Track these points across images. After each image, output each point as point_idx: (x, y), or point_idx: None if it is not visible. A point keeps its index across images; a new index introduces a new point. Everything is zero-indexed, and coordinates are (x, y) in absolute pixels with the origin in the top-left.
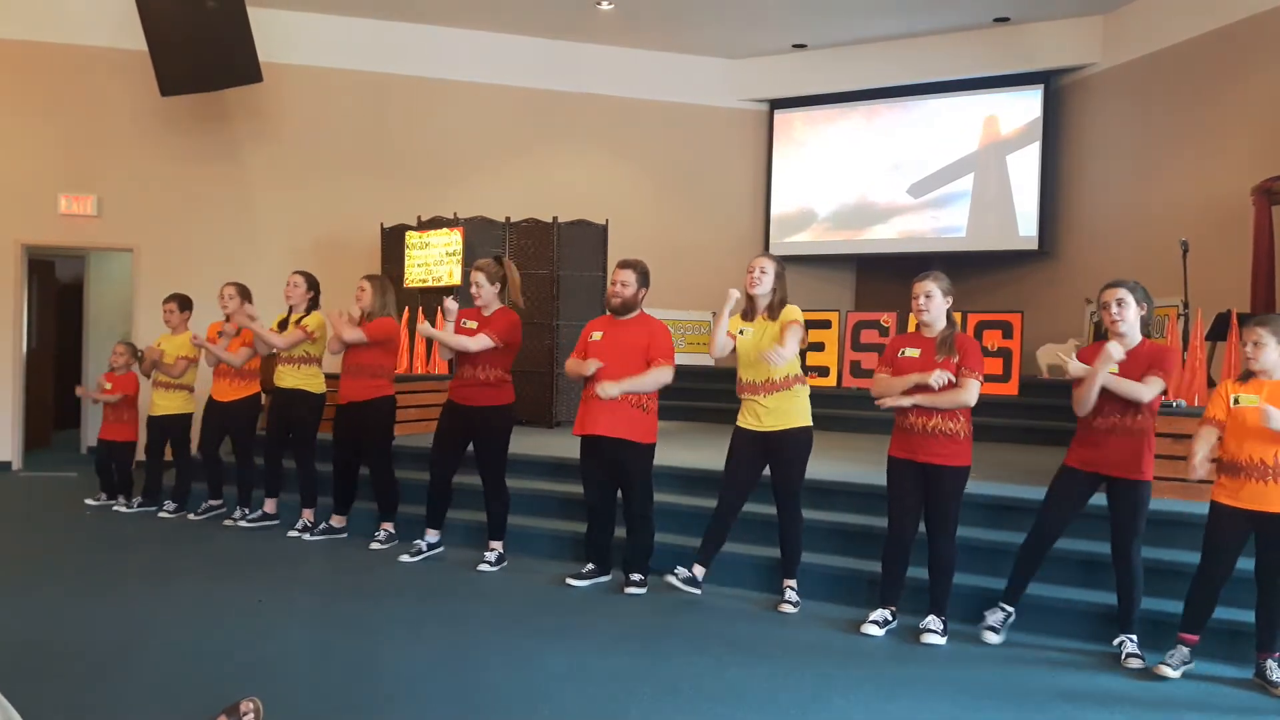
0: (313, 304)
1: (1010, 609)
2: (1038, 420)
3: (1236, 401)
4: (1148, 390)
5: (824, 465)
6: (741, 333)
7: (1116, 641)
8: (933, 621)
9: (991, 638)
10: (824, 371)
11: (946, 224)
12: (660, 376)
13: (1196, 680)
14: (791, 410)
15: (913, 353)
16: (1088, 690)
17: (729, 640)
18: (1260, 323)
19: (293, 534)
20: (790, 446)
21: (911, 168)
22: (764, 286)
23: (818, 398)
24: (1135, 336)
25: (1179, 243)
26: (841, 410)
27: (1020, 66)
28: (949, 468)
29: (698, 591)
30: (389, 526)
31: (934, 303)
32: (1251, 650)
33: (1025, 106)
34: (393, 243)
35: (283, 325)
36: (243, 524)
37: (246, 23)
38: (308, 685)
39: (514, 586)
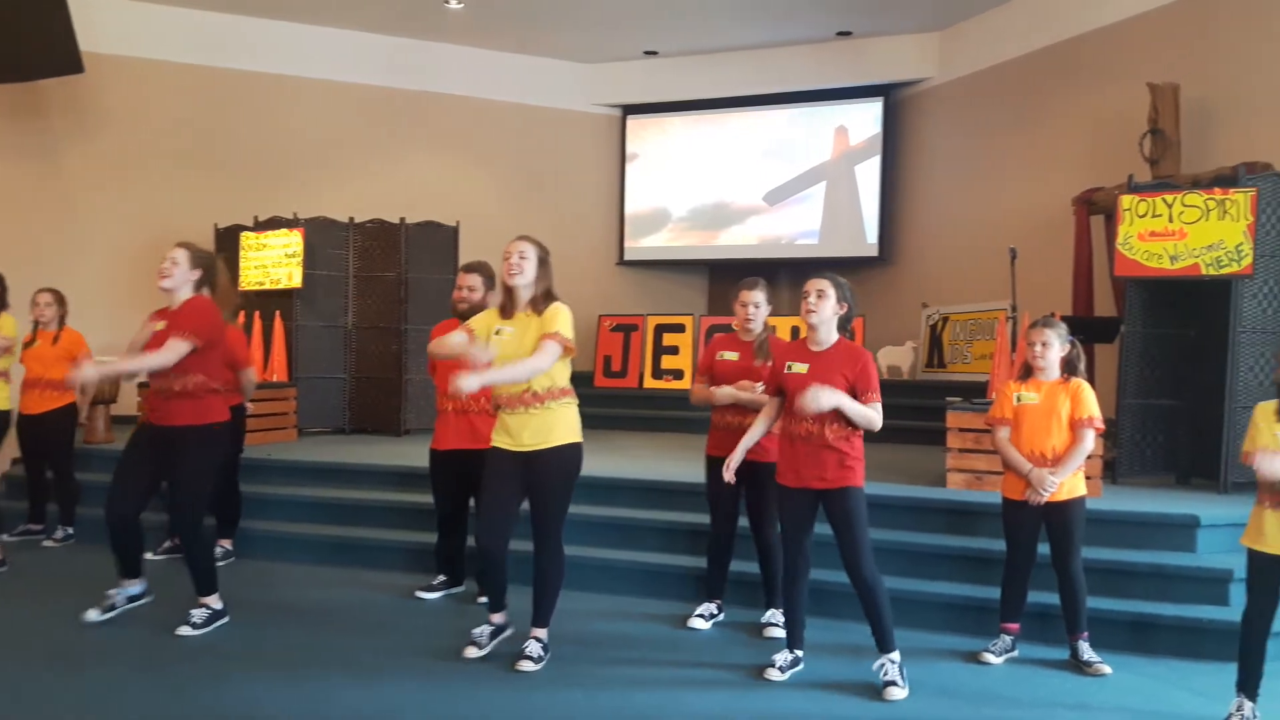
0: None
1: (796, 652)
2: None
3: (1019, 399)
4: (877, 415)
5: (673, 466)
6: (499, 332)
7: (877, 665)
8: (774, 615)
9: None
10: (679, 374)
11: (802, 228)
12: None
13: (1020, 664)
14: (555, 426)
15: (731, 355)
16: (927, 681)
17: (585, 643)
18: (1045, 325)
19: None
20: (552, 467)
21: (767, 175)
22: (525, 276)
23: (672, 400)
24: (831, 335)
25: (1008, 250)
26: (696, 412)
27: (861, 79)
28: (763, 464)
29: (481, 651)
30: (226, 543)
31: (760, 311)
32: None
33: (869, 118)
34: (227, 244)
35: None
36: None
37: (65, 8)
38: None
39: (359, 602)
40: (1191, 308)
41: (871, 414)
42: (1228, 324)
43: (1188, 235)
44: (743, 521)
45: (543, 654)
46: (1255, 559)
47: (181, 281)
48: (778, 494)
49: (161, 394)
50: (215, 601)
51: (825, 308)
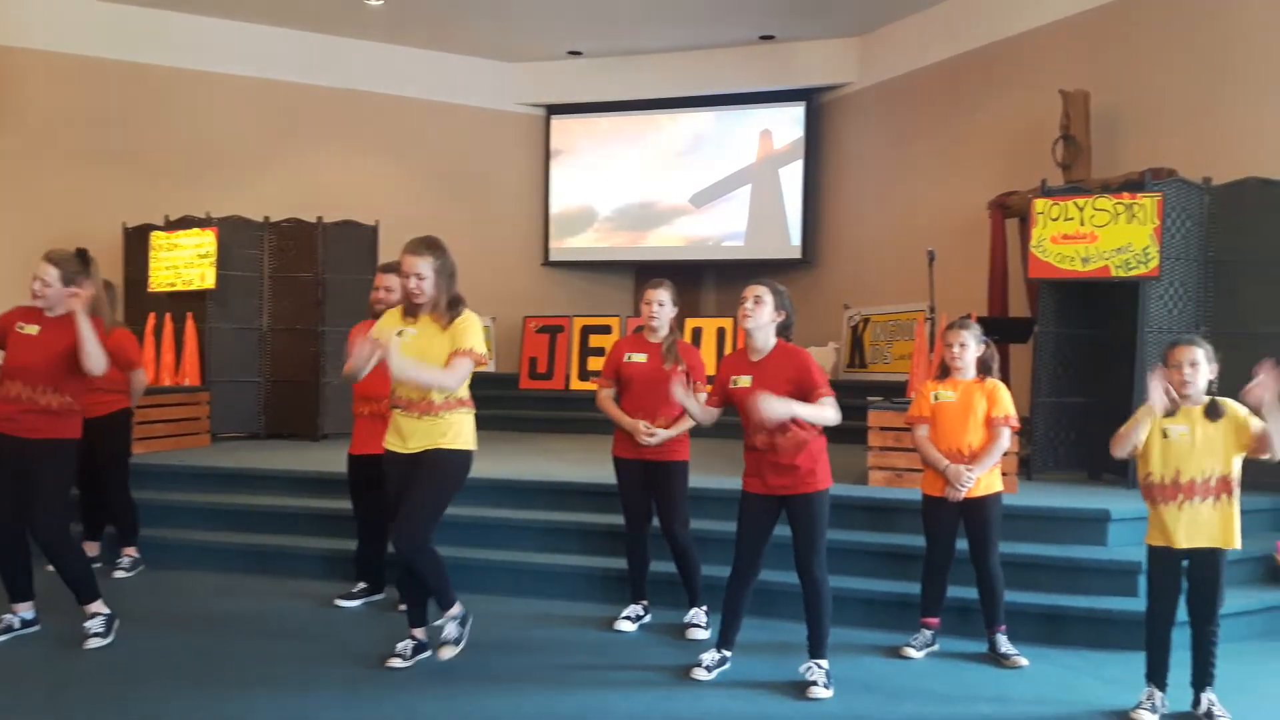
0: None
1: (724, 653)
2: None
3: (937, 398)
4: (829, 412)
5: (599, 468)
6: (401, 333)
7: (804, 668)
8: (696, 615)
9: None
10: None
11: (727, 230)
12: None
13: (941, 658)
14: (447, 431)
15: (639, 358)
16: (850, 676)
17: (511, 649)
18: (962, 326)
19: None
20: (436, 467)
21: (693, 177)
22: (425, 295)
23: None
24: (768, 341)
25: (926, 252)
26: None
27: (784, 83)
28: (672, 462)
29: (405, 664)
30: (132, 552)
31: (664, 310)
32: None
33: (792, 122)
34: (136, 244)
35: None
36: None
37: None
38: None
39: (277, 611)
40: (1102, 309)
41: (825, 411)
42: (1136, 324)
43: (1098, 238)
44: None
45: (460, 630)
46: (1153, 553)
47: (57, 300)
48: (741, 500)
49: (20, 404)
50: (101, 606)
51: (762, 313)
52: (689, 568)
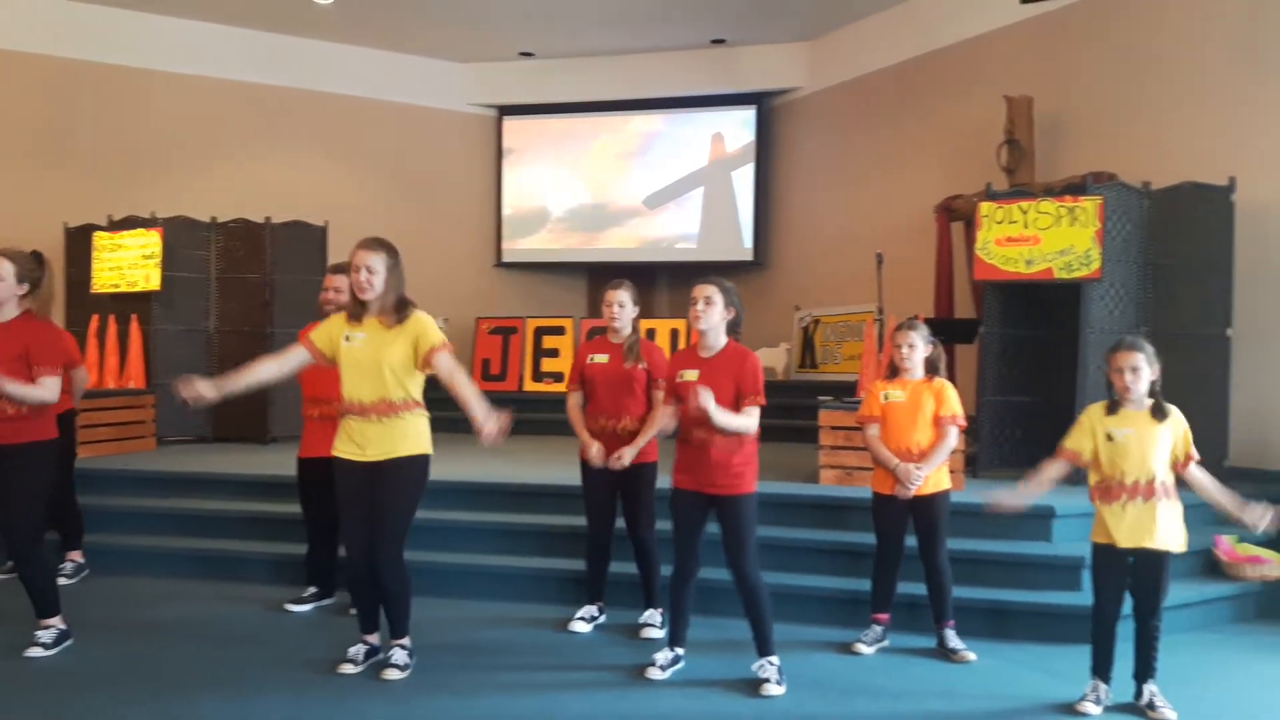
0: None
1: (677, 651)
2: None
3: (887, 398)
4: (751, 422)
5: (552, 470)
6: (349, 339)
7: (756, 666)
8: (651, 616)
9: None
10: (559, 377)
11: (681, 232)
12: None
13: (891, 653)
14: (406, 435)
15: (601, 358)
16: (802, 673)
17: (464, 651)
18: (910, 327)
19: None
20: (399, 479)
21: (646, 179)
22: (375, 290)
23: (553, 403)
24: (719, 340)
25: (875, 255)
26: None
27: (735, 87)
28: (642, 465)
29: (357, 669)
30: (76, 557)
31: (625, 311)
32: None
33: (744, 125)
34: (78, 244)
35: None
36: None
37: None
38: None
39: (226, 616)
40: (1046, 310)
41: (745, 422)
42: (1078, 325)
43: (1041, 241)
44: (620, 523)
45: (408, 660)
46: (1097, 550)
47: (8, 296)
48: (672, 495)
49: None
50: (59, 623)
51: (713, 314)
52: (650, 569)
